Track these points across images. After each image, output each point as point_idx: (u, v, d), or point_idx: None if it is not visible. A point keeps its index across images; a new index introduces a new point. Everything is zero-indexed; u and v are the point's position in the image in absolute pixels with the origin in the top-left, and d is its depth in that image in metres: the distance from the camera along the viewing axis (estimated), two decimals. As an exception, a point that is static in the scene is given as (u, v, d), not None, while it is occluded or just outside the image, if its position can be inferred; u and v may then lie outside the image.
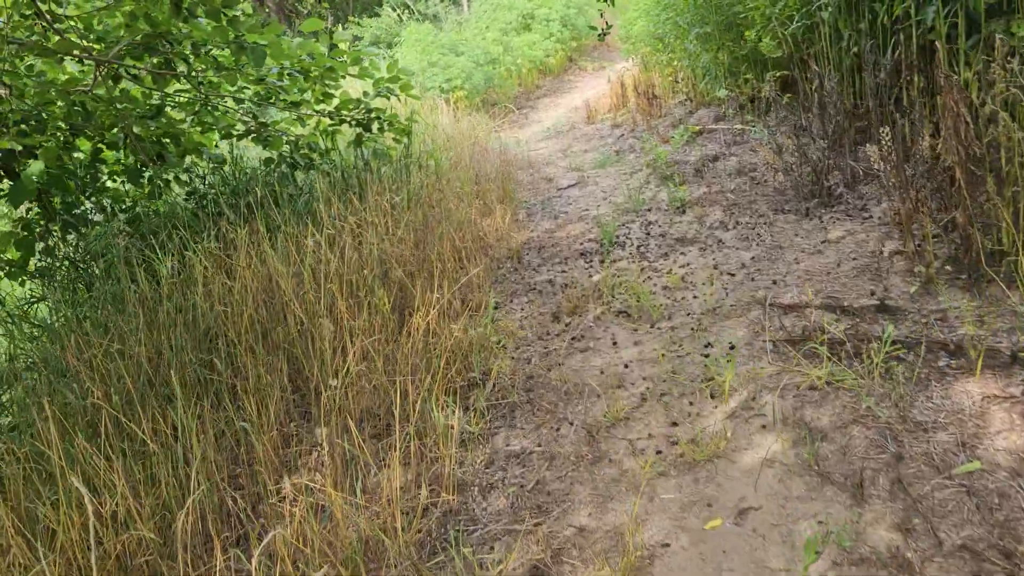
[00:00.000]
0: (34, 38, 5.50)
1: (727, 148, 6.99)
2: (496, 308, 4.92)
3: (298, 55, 6.19)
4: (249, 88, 6.45)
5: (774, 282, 4.26)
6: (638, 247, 5.36)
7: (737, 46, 7.33)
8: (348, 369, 3.64)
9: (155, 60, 5.67)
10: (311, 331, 4.42)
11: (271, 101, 6.51)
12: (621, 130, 9.79)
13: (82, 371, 3.89)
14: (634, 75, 13.41)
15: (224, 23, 5.16)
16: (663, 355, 3.84)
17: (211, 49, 5.81)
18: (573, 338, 4.24)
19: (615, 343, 4.10)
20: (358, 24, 22.22)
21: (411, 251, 5.41)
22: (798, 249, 4.59)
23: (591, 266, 5.23)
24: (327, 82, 6.50)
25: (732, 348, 3.76)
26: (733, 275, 4.51)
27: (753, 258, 4.65)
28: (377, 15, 22.62)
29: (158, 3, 5.16)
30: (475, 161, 8.07)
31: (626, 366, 3.84)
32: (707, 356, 3.74)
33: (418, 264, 5.26)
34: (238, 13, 5.22)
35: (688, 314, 4.21)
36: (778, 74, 6.90)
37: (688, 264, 4.86)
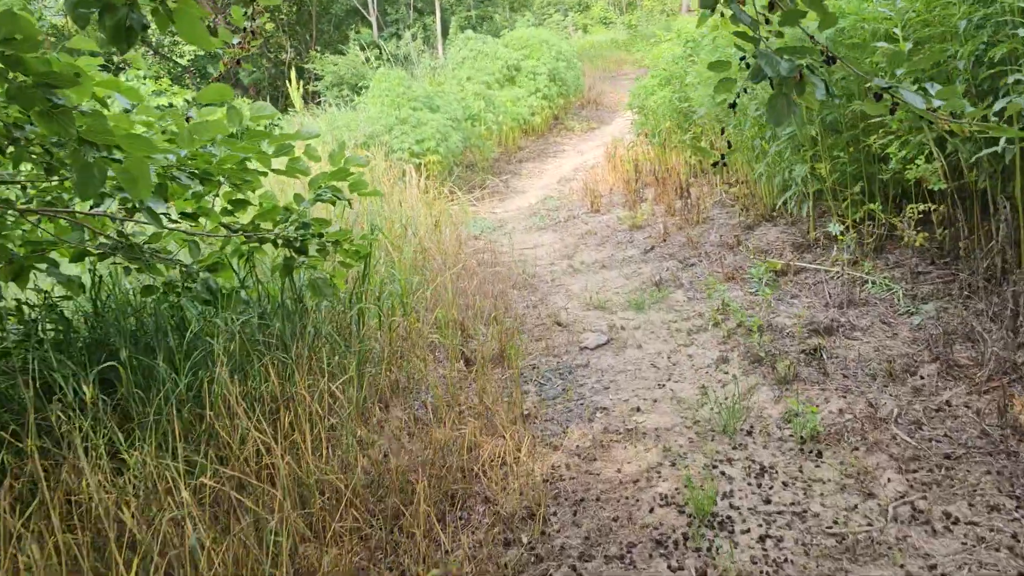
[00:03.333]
0: None
1: (840, 311, 4.70)
2: None
3: (196, 140, 3.80)
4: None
5: None
6: (761, 540, 2.99)
7: (847, 156, 5.10)
8: None
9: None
10: None
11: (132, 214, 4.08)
12: (647, 236, 7.48)
13: None
14: (645, 154, 11.21)
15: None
16: None
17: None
18: None
19: None
20: (320, 59, 19.86)
21: (351, 546, 3.00)
22: None
23: (682, 579, 2.85)
24: (239, 182, 4.13)
25: None
26: None
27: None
28: (343, 53, 20.27)
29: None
30: (459, 288, 5.68)
31: None
32: None
33: (370, 554, 2.84)
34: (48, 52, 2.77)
35: None
36: (920, 208, 4.65)
37: (889, 626, 2.50)
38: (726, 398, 4.07)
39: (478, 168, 13.72)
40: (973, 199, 4.50)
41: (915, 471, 3.20)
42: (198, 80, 22.46)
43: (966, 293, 4.37)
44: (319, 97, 19.18)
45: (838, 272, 5.16)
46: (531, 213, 10.41)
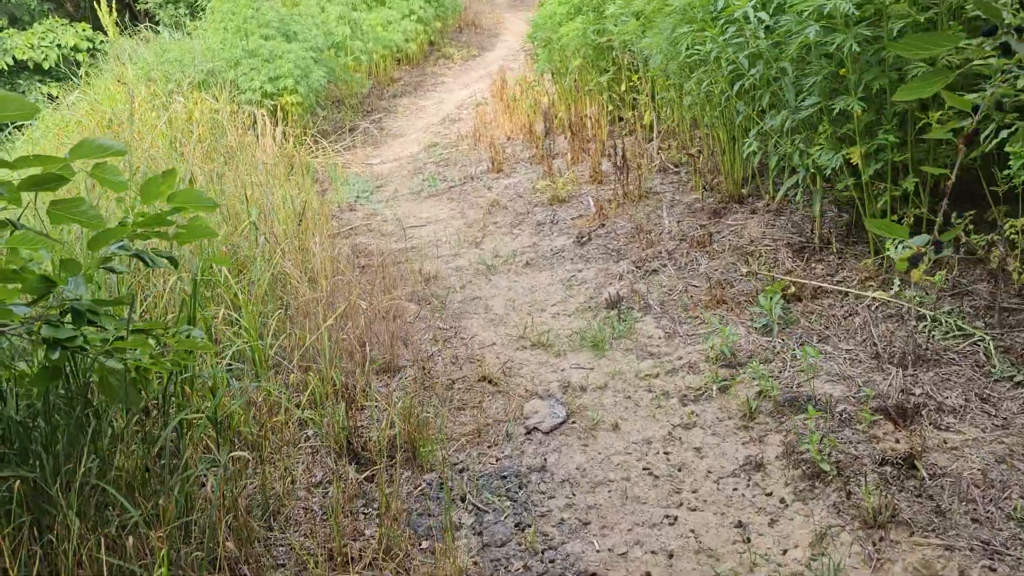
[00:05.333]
0: None
1: (906, 372, 3.24)
2: None
3: None
4: None
5: None
6: None
7: (894, 140, 3.58)
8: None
9: None
10: None
11: None
12: (576, 216, 5.85)
13: None
14: (544, 92, 9.49)
15: None
16: None
17: None
18: None
19: None
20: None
21: None
22: None
23: None
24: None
25: None
26: None
27: None
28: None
29: None
30: (338, 337, 3.91)
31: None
32: None
33: None
34: None
35: None
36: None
37: None
38: (784, 552, 2.56)
39: (347, 106, 11.67)
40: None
41: None
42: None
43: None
44: (153, 17, 16.32)
45: (877, 300, 3.70)
46: (416, 169, 8.59)
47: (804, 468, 2.86)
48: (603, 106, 7.98)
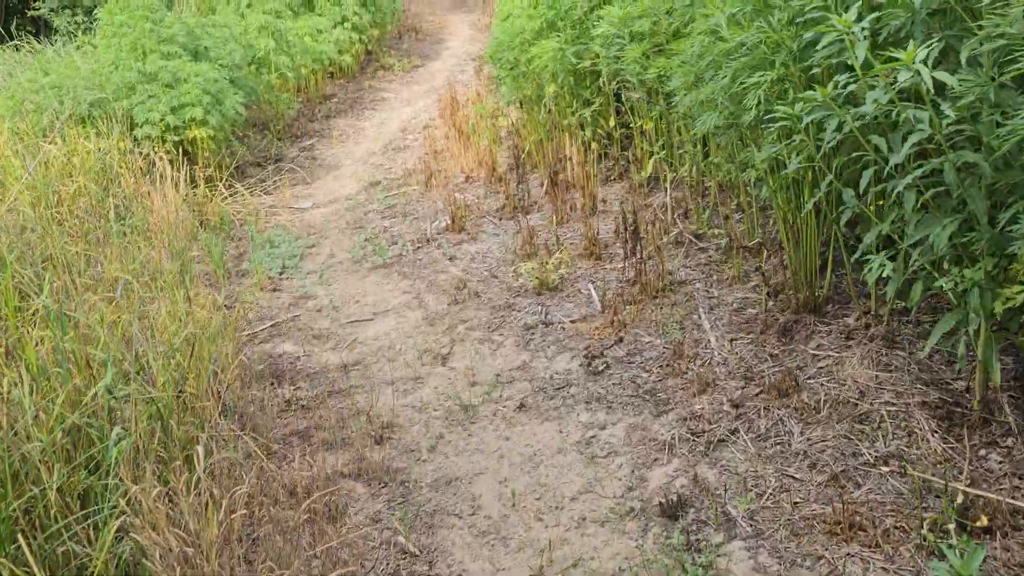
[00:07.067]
0: None
1: None
2: None
3: None
4: None
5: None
6: None
7: None
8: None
9: None
10: None
11: None
12: (577, 319, 4.31)
13: None
14: (503, 119, 7.93)
15: None
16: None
17: None
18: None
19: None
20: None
21: None
22: None
23: None
24: None
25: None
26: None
27: None
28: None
29: None
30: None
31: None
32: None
33: None
34: None
35: None
36: None
37: None
38: None
39: (271, 132, 9.93)
40: None
41: None
42: None
43: None
44: (49, 26, 14.31)
45: None
46: (356, 220, 6.95)
47: None
48: (586, 143, 6.47)
